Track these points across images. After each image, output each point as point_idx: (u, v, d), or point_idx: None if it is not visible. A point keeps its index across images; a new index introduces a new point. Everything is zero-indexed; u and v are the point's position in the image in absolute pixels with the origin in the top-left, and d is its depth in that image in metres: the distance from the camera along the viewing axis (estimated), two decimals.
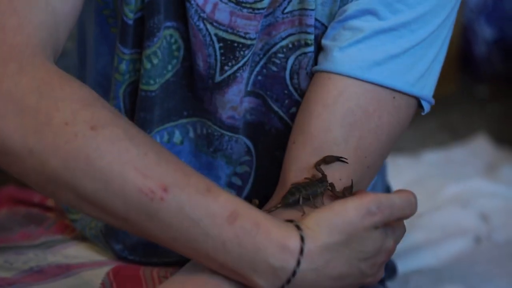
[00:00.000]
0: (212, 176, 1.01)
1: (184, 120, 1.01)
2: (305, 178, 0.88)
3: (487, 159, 2.19)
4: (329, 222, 0.77)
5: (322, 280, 0.78)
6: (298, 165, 0.91)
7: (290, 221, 0.79)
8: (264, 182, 1.02)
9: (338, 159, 0.89)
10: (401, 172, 1.97)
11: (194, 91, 0.99)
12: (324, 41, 0.94)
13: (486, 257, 1.55)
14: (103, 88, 1.04)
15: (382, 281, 1.20)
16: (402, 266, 1.47)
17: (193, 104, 1.00)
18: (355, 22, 0.92)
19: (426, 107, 0.96)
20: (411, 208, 0.80)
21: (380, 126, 0.91)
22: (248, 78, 0.97)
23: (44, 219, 1.14)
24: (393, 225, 0.83)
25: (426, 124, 2.36)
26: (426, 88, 0.94)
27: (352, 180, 0.89)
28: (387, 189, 1.24)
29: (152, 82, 0.97)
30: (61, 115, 0.77)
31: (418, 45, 0.92)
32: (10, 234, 1.10)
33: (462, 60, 2.92)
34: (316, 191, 0.86)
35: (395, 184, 1.39)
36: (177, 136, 1.01)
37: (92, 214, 0.80)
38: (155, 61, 0.96)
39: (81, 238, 1.10)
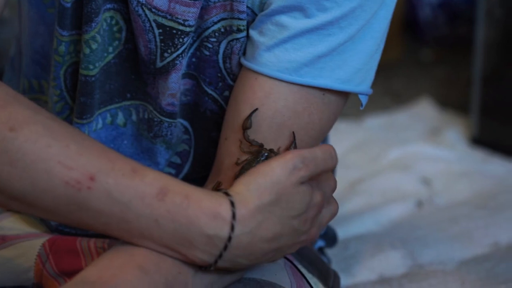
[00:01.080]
0: (152, 161, 1.00)
1: (127, 102, 1.00)
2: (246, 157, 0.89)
3: (430, 122, 2.20)
4: (258, 184, 0.77)
5: (257, 242, 0.78)
6: (232, 160, 0.91)
7: (219, 190, 0.80)
8: (203, 161, 1.01)
9: (252, 113, 0.89)
10: (343, 137, 1.97)
11: (137, 73, 0.98)
12: (251, 32, 0.93)
13: (427, 221, 1.55)
14: (41, 66, 1.02)
15: (321, 250, 1.20)
16: (343, 232, 1.47)
17: (136, 87, 0.99)
18: (282, 18, 0.90)
19: (364, 101, 0.95)
20: (332, 160, 0.81)
21: (311, 123, 0.91)
22: None
23: None
24: (319, 179, 0.82)
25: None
26: (364, 83, 0.93)
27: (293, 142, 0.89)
28: None
29: (91, 67, 0.95)
30: None
31: (349, 41, 0.90)
32: None
33: (406, 24, 2.92)
34: (260, 161, 0.87)
35: (337, 150, 1.38)
36: (120, 118, 1.00)
37: (22, 211, 0.81)
38: (94, 46, 0.95)
39: (15, 211, 1.08)
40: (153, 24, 0.94)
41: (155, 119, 0.98)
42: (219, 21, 0.94)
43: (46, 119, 0.79)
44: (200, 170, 1.01)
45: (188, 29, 0.93)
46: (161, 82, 0.96)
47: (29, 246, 1.01)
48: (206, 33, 0.95)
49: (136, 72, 0.98)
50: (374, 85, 0.94)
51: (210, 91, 0.98)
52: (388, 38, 0.98)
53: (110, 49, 0.97)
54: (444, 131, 2.10)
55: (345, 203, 1.64)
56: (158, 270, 0.76)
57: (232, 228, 0.76)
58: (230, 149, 0.92)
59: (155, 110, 0.98)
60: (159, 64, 0.95)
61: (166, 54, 0.94)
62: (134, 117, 1.00)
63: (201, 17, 0.94)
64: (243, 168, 0.88)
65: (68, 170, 0.76)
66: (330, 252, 1.33)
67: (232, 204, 0.76)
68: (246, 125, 0.90)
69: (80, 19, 0.95)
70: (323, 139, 1.16)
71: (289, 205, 0.78)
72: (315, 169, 0.79)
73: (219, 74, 0.97)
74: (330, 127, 0.94)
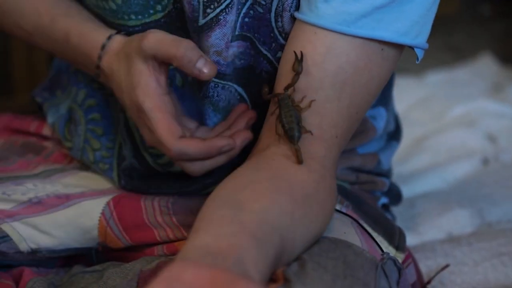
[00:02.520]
0: (202, 124, 1.00)
1: None
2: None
3: (492, 79, 2.17)
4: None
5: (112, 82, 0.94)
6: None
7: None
8: (260, 125, 1.00)
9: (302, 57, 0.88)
10: (405, 94, 1.95)
11: (187, 33, 0.97)
12: None
13: (494, 178, 1.53)
14: None
15: (387, 207, 1.19)
16: (408, 190, 1.45)
17: None
18: None
19: (420, 55, 0.93)
20: None
21: (371, 80, 0.90)
22: (236, 21, 0.95)
23: (42, 148, 1.13)
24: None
25: (429, 44, 2.33)
26: (420, 36, 0.91)
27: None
28: (396, 119, 1.22)
29: (126, 17, 0.99)
30: None
31: None
32: (8, 164, 1.09)
33: None
34: (289, 112, 0.88)
35: (398, 106, 1.36)
36: (179, 79, 1.00)
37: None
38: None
39: (80, 167, 1.10)
40: None
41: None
42: None
43: None
44: (256, 134, 1.00)
45: None
46: (204, 41, 0.95)
47: (94, 204, 1.02)
48: None
49: (186, 32, 0.97)
50: (433, 40, 0.92)
51: (265, 51, 0.97)
52: None
53: (159, 7, 0.96)
54: (506, 87, 2.06)
55: (410, 160, 1.62)
56: (269, 239, 0.76)
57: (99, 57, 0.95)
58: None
59: None
60: (201, 21, 0.94)
61: (209, 10, 0.93)
62: (190, 78, 0.99)
63: None
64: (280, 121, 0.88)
65: (19, 29, 1.05)
66: (396, 210, 1.32)
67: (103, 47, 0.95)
68: (298, 69, 0.88)
69: None
70: (389, 96, 1.14)
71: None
72: None
73: (271, 34, 0.95)
74: (385, 83, 0.93)
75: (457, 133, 1.73)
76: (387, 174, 1.16)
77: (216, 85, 0.97)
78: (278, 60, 0.95)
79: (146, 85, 0.88)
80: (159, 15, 0.97)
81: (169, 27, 0.97)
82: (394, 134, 1.20)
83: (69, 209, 1.01)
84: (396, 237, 1.01)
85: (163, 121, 0.87)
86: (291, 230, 0.79)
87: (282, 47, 0.94)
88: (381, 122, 1.11)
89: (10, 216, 0.98)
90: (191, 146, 0.88)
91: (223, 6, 0.93)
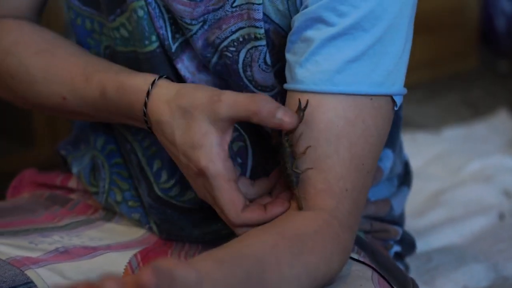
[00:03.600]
0: None
1: None
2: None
3: (508, 135, 2.18)
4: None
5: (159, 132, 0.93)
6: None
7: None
8: (263, 153, 1.03)
9: (306, 106, 0.90)
10: (422, 149, 1.96)
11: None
12: (287, 56, 0.94)
13: (509, 234, 1.53)
14: None
15: (401, 256, 1.20)
16: (425, 244, 1.46)
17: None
18: (308, 33, 0.91)
19: (399, 101, 0.94)
20: None
21: (367, 130, 0.91)
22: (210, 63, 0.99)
23: (67, 200, 1.14)
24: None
25: (447, 99, 2.34)
26: (396, 83, 0.93)
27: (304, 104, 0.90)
28: (406, 164, 1.23)
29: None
30: None
31: (377, 43, 0.90)
32: (34, 217, 1.10)
33: (483, 34, 2.89)
34: (287, 159, 0.90)
35: (416, 161, 1.38)
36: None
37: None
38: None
39: (104, 217, 1.11)
40: (163, 9, 0.98)
41: None
42: (237, 30, 0.96)
43: (33, 58, 1.04)
44: (263, 162, 1.03)
45: (185, 25, 0.97)
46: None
47: (120, 255, 1.04)
48: (225, 42, 0.97)
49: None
50: (452, 96, 0.93)
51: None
52: (464, 48, 0.97)
53: (153, 37, 1.00)
54: None
55: (427, 215, 1.63)
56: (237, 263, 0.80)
57: (145, 103, 0.93)
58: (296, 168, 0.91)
59: None
60: (173, 47, 0.99)
61: (177, 35, 0.98)
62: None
63: (219, 27, 0.97)
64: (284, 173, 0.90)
65: (51, 96, 1.02)
66: (412, 264, 1.34)
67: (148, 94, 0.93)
68: (299, 115, 0.89)
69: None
70: (395, 138, 1.15)
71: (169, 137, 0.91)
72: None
73: (241, 83, 0.98)
74: (386, 134, 0.94)
75: (474, 188, 1.73)
76: (399, 221, 1.17)
77: None
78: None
79: (210, 149, 0.87)
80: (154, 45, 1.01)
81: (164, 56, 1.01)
82: (405, 180, 1.21)
83: (95, 259, 1.02)
84: None
85: (228, 192, 0.87)
86: (273, 256, 0.82)
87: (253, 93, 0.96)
88: (387, 163, 1.12)
89: (35, 263, 0.99)
90: (253, 219, 0.88)
91: (188, 36, 0.98)
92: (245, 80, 0.98)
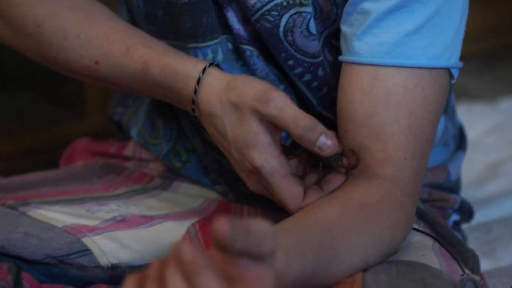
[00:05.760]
0: None
1: (223, 36, 1.01)
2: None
3: None
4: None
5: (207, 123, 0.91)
6: (356, 147, 0.92)
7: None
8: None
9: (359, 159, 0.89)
10: (478, 120, 1.93)
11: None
12: (342, 27, 0.94)
13: None
14: None
15: (457, 224, 1.18)
16: (484, 215, 1.44)
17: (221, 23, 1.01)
18: (365, 5, 0.91)
19: (455, 74, 0.95)
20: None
21: (426, 99, 0.91)
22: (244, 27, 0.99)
23: (123, 169, 1.14)
24: None
25: (502, 70, 2.31)
26: (453, 56, 0.93)
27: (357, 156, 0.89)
28: (460, 129, 1.22)
29: None
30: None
31: (435, 16, 0.90)
32: (89, 185, 1.10)
33: None
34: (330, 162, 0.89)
35: (472, 132, 1.36)
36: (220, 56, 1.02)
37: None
38: None
39: (161, 187, 1.11)
40: None
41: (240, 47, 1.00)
42: None
43: (67, 13, 0.99)
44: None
45: None
46: (231, 11, 0.98)
47: (178, 224, 1.04)
48: (268, 6, 0.95)
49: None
50: (507, 67, 0.92)
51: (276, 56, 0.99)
52: None
53: None
54: None
55: (485, 186, 1.61)
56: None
57: (195, 91, 0.91)
58: (353, 137, 0.91)
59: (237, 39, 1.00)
60: None
61: None
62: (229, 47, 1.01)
63: None
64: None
65: (81, 58, 0.98)
66: (471, 235, 1.33)
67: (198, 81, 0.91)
68: (358, 160, 0.89)
69: None
70: (451, 114, 1.14)
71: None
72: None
73: (281, 46, 0.97)
74: (443, 104, 0.94)
75: None
76: (456, 188, 1.16)
77: (251, 54, 1.00)
78: (289, 67, 0.98)
79: (263, 148, 0.87)
80: None
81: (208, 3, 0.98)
82: (460, 144, 1.20)
83: (153, 227, 1.03)
84: (470, 259, 1.01)
85: (286, 188, 0.87)
86: (340, 225, 0.82)
87: (292, 57, 0.98)
88: (439, 126, 1.11)
89: (92, 230, 0.99)
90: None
91: None
92: (285, 43, 0.97)
